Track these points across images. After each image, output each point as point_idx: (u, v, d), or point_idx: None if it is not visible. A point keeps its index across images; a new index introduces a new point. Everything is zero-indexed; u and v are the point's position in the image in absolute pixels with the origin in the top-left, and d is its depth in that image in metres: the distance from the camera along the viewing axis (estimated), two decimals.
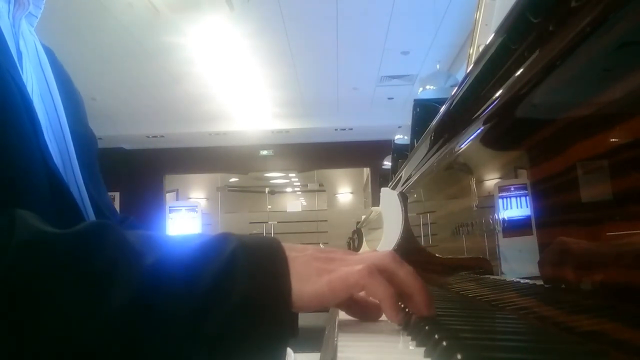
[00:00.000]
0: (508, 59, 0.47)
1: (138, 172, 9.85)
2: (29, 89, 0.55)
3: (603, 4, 0.32)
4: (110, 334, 0.37)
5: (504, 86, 0.50)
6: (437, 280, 1.00)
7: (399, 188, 1.39)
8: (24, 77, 0.55)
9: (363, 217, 4.97)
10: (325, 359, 0.42)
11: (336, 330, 0.48)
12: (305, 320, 0.48)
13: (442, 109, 0.77)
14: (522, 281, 0.59)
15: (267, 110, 8.49)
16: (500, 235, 0.65)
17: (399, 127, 4.24)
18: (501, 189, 0.64)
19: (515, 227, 0.60)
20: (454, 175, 0.90)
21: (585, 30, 0.35)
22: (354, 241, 5.18)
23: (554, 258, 0.49)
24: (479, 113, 0.60)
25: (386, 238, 1.45)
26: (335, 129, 9.18)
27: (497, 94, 0.52)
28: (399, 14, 5.18)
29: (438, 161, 0.91)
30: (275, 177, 11.94)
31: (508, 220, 0.62)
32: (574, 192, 0.44)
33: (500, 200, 0.64)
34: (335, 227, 10.05)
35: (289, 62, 6.51)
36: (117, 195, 9.10)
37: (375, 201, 6.03)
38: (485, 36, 0.99)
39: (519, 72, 0.46)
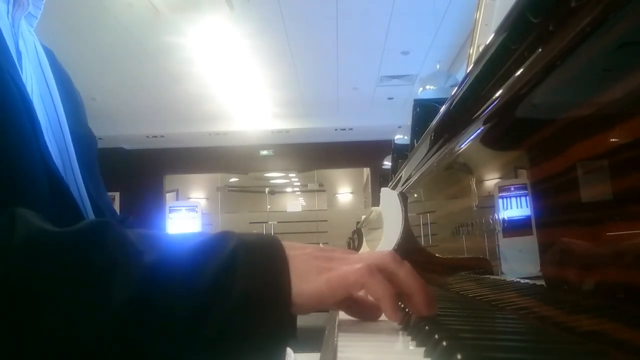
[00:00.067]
0: (508, 59, 0.47)
1: (138, 172, 9.85)
2: (28, 89, 0.55)
3: (603, 4, 0.32)
4: (111, 332, 0.37)
5: (504, 86, 0.50)
6: (437, 280, 1.00)
7: (399, 188, 1.39)
8: (23, 78, 0.55)
9: (363, 217, 4.97)
10: (325, 359, 0.42)
11: (336, 330, 0.48)
12: (305, 320, 0.48)
13: (442, 109, 0.77)
14: (522, 281, 0.59)
15: (267, 110, 8.49)
16: (500, 235, 0.65)
17: (399, 127, 4.25)
18: (501, 189, 0.64)
19: (515, 227, 0.60)
20: (454, 175, 0.90)
21: (585, 30, 0.35)
22: (354, 241, 5.18)
23: (554, 258, 0.49)
24: (479, 113, 0.60)
25: (386, 238, 1.45)
26: (335, 129, 9.18)
27: (497, 94, 0.52)
28: (399, 14, 5.18)
29: (438, 161, 0.91)
30: (275, 177, 11.94)
31: (508, 220, 0.62)
32: (574, 192, 0.44)
33: (500, 200, 0.64)
34: (335, 227, 10.05)
35: (289, 62, 6.51)
36: (117, 195, 9.10)
37: (375, 201, 6.03)
38: (485, 36, 0.99)
39: (519, 72, 0.46)
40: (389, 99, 7.98)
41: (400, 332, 0.48)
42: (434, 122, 0.84)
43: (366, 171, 10.49)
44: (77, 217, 0.55)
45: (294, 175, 12.05)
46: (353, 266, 0.45)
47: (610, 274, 0.39)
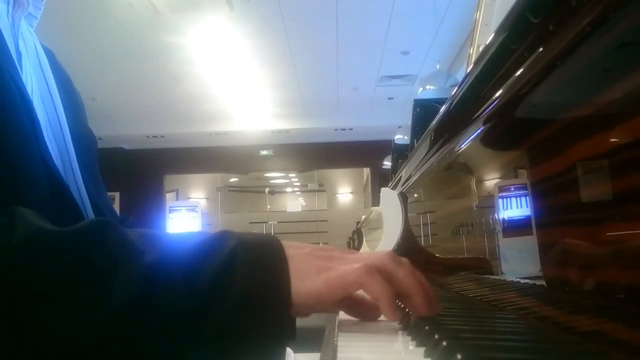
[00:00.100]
0: (508, 59, 0.47)
1: (138, 172, 9.85)
2: (28, 89, 0.55)
3: (603, 4, 0.32)
4: (111, 332, 0.37)
5: (504, 86, 0.50)
6: (437, 280, 1.00)
7: (399, 188, 1.39)
8: (23, 78, 0.55)
9: (363, 217, 4.97)
10: (325, 359, 0.42)
11: (336, 330, 0.48)
12: (305, 320, 0.48)
13: (442, 109, 0.77)
14: (522, 281, 0.59)
15: (267, 110, 8.49)
16: (500, 235, 0.65)
17: (399, 127, 4.25)
18: (501, 189, 0.64)
19: (515, 227, 0.60)
20: (454, 175, 0.90)
21: (585, 30, 0.35)
22: (354, 241, 5.18)
23: (554, 258, 0.49)
24: (479, 113, 0.60)
25: (386, 238, 1.45)
26: (335, 129, 9.18)
27: (497, 94, 0.52)
28: (399, 14, 5.18)
29: (438, 161, 0.91)
30: (275, 177, 11.94)
31: (508, 220, 0.62)
32: (574, 192, 0.44)
33: (500, 200, 0.64)
34: (335, 227, 10.05)
35: (289, 62, 6.51)
36: (117, 195, 9.09)
37: (375, 201, 6.03)
38: (485, 36, 0.99)
39: (519, 72, 0.46)
40: (389, 99, 7.98)
41: (400, 332, 0.48)
42: (434, 122, 0.84)
43: (366, 171, 10.49)
44: (77, 217, 0.55)
45: (294, 175, 12.05)
46: (352, 266, 0.45)
47: (610, 274, 0.39)
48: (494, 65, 0.51)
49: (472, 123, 0.64)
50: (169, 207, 9.66)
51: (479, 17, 1.14)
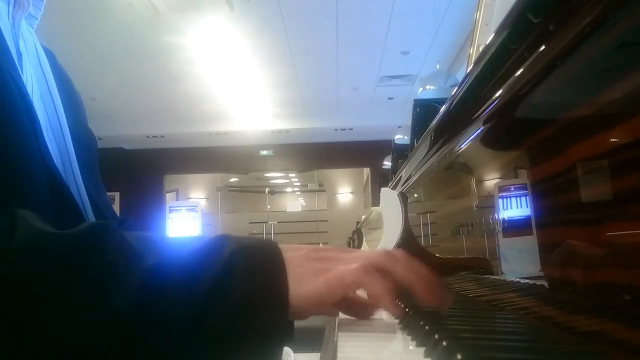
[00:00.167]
0: (508, 59, 0.47)
1: (138, 172, 9.85)
2: (29, 89, 0.55)
3: (603, 4, 0.32)
4: (110, 335, 0.37)
5: (504, 86, 0.50)
6: None
7: (399, 188, 1.39)
8: (23, 78, 0.55)
9: (363, 217, 4.97)
10: (325, 359, 0.42)
11: (336, 330, 0.48)
12: (305, 320, 0.48)
13: (442, 109, 0.77)
14: (522, 281, 0.59)
15: (267, 110, 8.49)
16: (500, 235, 0.65)
17: (399, 127, 4.25)
18: (501, 189, 0.64)
19: (515, 227, 0.60)
20: (454, 175, 0.90)
21: (585, 30, 0.35)
22: (354, 241, 5.18)
23: (554, 258, 0.49)
24: (479, 113, 0.60)
25: (386, 238, 1.45)
26: (335, 129, 9.18)
27: (497, 94, 0.52)
28: (399, 14, 5.18)
29: (438, 161, 0.91)
30: (275, 177, 11.94)
31: (508, 220, 0.62)
32: (574, 192, 0.44)
33: (500, 200, 0.64)
34: (335, 227, 10.04)
35: (289, 62, 6.51)
36: (117, 195, 9.09)
37: (375, 201, 6.03)
38: (485, 36, 0.99)
39: (519, 72, 0.46)
40: (389, 99, 7.98)
41: (401, 332, 0.48)
42: (434, 122, 0.84)
43: (366, 171, 10.49)
44: (77, 218, 0.55)
45: (294, 175, 12.05)
46: (350, 266, 0.46)
47: (610, 274, 0.39)
48: (494, 65, 0.51)
49: (472, 123, 0.64)
50: (169, 207, 9.65)
51: (479, 17, 1.14)
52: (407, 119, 2.36)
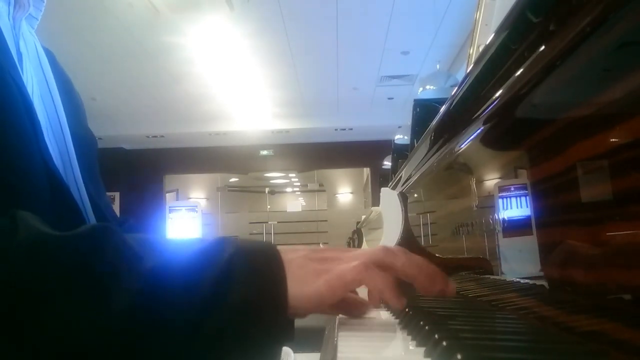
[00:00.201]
0: (508, 59, 0.47)
1: (138, 172, 9.85)
2: (29, 90, 0.55)
3: (603, 4, 0.32)
4: (110, 337, 0.37)
5: (504, 86, 0.50)
6: None
7: (399, 188, 1.39)
8: (24, 78, 0.55)
9: (363, 217, 4.97)
10: (325, 359, 0.42)
11: (336, 330, 0.48)
12: (305, 320, 0.48)
13: (442, 109, 0.77)
14: (522, 281, 0.59)
15: (267, 110, 8.49)
16: (500, 235, 0.65)
17: (399, 127, 4.25)
18: (501, 189, 0.64)
19: (515, 227, 0.60)
20: (454, 175, 0.90)
21: (585, 30, 0.35)
22: (354, 241, 5.18)
23: (554, 258, 0.49)
24: (479, 113, 0.60)
25: (386, 238, 1.45)
26: (335, 129, 9.18)
27: (497, 94, 0.52)
28: (399, 14, 5.18)
29: (438, 161, 0.91)
30: (275, 177, 11.94)
31: (508, 220, 0.62)
32: (574, 192, 0.44)
33: (500, 200, 0.64)
34: (335, 227, 10.04)
35: (289, 62, 6.51)
36: (117, 195, 9.09)
37: (375, 201, 6.03)
38: (485, 36, 0.99)
39: (519, 72, 0.46)
40: (389, 99, 7.98)
41: (401, 332, 0.48)
42: (434, 122, 0.84)
43: (366, 171, 10.49)
44: (77, 218, 0.55)
45: (294, 175, 12.05)
46: (350, 265, 0.46)
47: (610, 274, 0.39)
48: (494, 65, 0.51)
49: (472, 123, 0.64)
50: (169, 207, 9.64)
51: (479, 17, 1.14)
52: (407, 119, 2.36)
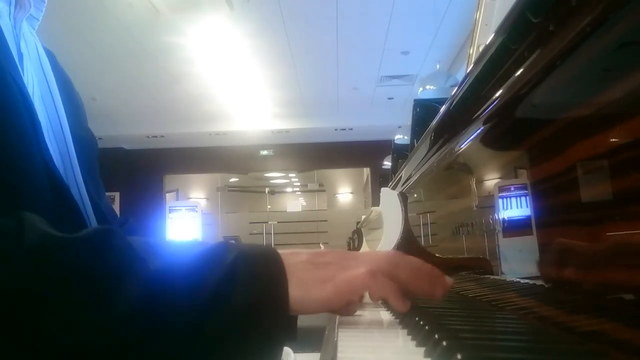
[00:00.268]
0: (508, 59, 0.47)
1: (138, 172, 9.85)
2: (29, 90, 0.55)
3: (603, 4, 0.32)
4: (112, 339, 0.37)
5: (504, 86, 0.50)
6: None
7: (399, 188, 1.39)
8: (24, 79, 0.55)
9: (363, 217, 4.97)
10: (325, 359, 0.42)
11: (336, 330, 0.48)
12: (305, 320, 0.48)
13: (442, 109, 0.77)
14: (522, 281, 0.59)
15: (267, 110, 8.49)
16: (500, 235, 0.65)
17: (399, 127, 4.25)
18: (501, 189, 0.64)
19: (515, 227, 0.60)
20: (454, 175, 0.90)
21: (585, 30, 0.35)
22: (354, 241, 5.18)
23: (554, 258, 0.49)
24: (479, 113, 0.60)
25: (386, 238, 1.45)
26: (335, 129, 9.18)
27: (497, 94, 0.52)
28: (399, 14, 5.18)
29: (438, 161, 0.91)
30: (275, 177, 11.94)
31: (508, 220, 0.62)
32: (574, 192, 0.44)
33: (500, 200, 0.64)
34: (335, 227, 10.04)
35: (289, 62, 6.51)
36: (117, 195, 9.09)
37: (375, 201, 6.03)
38: (485, 36, 0.99)
39: (519, 72, 0.46)
40: (389, 99, 7.98)
41: (401, 332, 0.48)
42: (434, 122, 0.84)
43: (366, 171, 10.49)
44: (78, 219, 0.55)
45: (294, 175, 12.05)
46: (356, 272, 0.47)
47: (610, 274, 0.39)
48: (494, 65, 0.51)
49: (472, 123, 0.64)
50: (169, 207, 9.64)
51: (479, 17, 1.14)
52: (407, 119, 2.36)
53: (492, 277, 0.70)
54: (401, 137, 3.18)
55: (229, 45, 5.86)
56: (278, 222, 10.82)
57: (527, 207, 0.55)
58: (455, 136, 0.74)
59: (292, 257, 0.47)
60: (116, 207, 8.78)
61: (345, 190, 11.78)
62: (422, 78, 5.25)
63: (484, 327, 0.49)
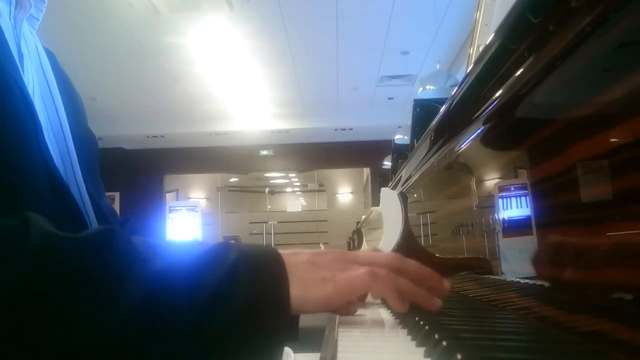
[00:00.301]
0: (508, 59, 0.47)
1: (138, 172, 9.85)
2: (30, 90, 0.55)
3: (603, 4, 0.32)
4: (114, 339, 0.38)
5: (504, 86, 0.50)
6: None
7: (399, 188, 1.39)
8: (25, 79, 0.55)
9: (363, 217, 4.97)
10: (325, 359, 0.42)
11: (336, 330, 0.48)
12: (305, 320, 0.48)
13: (442, 109, 0.77)
14: (522, 281, 0.59)
15: (267, 110, 8.49)
16: (500, 235, 0.65)
17: (399, 127, 4.25)
18: (501, 189, 0.64)
19: (515, 227, 0.60)
20: (454, 175, 0.90)
21: (585, 30, 0.35)
22: (354, 241, 5.18)
23: (554, 258, 0.49)
24: (479, 113, 0.60)
25: (386, 238, 1.45)
26: (335, 129, 9.18)
27: (497, 94, 0.52)
28: (399, 14, 5.18)
29: (438, 161, 0.91)
30: (275, 177, 11.94)
31: (508, 220, 0.62)
32: (574, 192, 0.44)
33: (500, 200, 0.64)
34: (335, 227, 10.03)
35: (289, 62, 6.51)
36: (117, 195, 9.09)
37: (375, 201, 6.03)
38: (485, 36, 0.99)
39: (519, 72, 0.46)
40: (389, 99, 7.98)
41: (401, 332, 0.48)
42: (434, 122, 0.84)
43: (366, 171, 10.49)
44: (78, 218, 0.55)
45: (294, 175, 12.05)
46: (357, 272, 0.47)
47: (610, 274, 0.39)
48: (494, 65, 0.51)
49: (472, 123, 0.64)
50: (169, 207, 9.64)
51: (479, 17, 1.14)
52: (407, 119, 2.36)
53: (492, 277, 0.70)
54: (401, 137, 3.18)
55: (229, 45, 5.86)
56: (278, 222, 10.82)
57: (527, 207, 0.55)
58: (455, 136, 0.74)
59: (293, 257, 0.47)
60: (116, 207, 8.78)
61: (345, 190, 11.78)
62: (422, 78, 5.25)
63: (484, 327, 0.49)
